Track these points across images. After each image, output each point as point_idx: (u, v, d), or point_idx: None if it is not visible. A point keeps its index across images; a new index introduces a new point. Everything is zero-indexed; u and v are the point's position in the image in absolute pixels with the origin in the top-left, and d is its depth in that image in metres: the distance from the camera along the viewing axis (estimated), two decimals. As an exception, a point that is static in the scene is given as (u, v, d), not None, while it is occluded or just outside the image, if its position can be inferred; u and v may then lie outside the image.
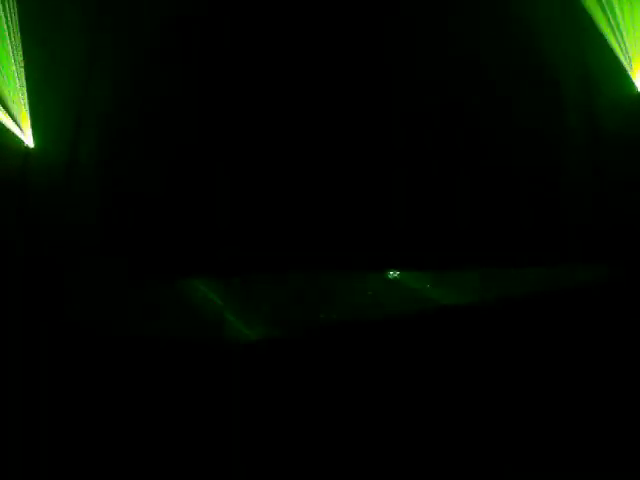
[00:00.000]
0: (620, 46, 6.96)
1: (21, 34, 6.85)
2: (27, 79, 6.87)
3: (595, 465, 5.63)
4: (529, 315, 6.55)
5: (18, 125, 6.92)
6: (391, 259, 6.96)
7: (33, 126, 6.91)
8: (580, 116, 7.07)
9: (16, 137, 6.93)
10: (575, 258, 6.87)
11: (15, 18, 6.81)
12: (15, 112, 6.91)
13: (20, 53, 6.83)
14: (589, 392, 6.05)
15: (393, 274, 6.99)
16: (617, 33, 6.97)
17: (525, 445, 5.82)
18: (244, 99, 7.10)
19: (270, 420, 5.97)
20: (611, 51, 6.96)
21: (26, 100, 6.88)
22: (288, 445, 5.83)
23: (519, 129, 7.06)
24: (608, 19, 7.00)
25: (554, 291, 6.75)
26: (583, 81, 7.08)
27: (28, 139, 6.93)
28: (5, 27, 6.81)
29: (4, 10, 6.79)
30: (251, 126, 7.08)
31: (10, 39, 6.83)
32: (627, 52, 6.96)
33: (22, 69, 6.83)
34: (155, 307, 6.76)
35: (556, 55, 7.14)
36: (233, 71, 7.16)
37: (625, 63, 6.96)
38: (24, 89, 6.87)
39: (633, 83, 6.95)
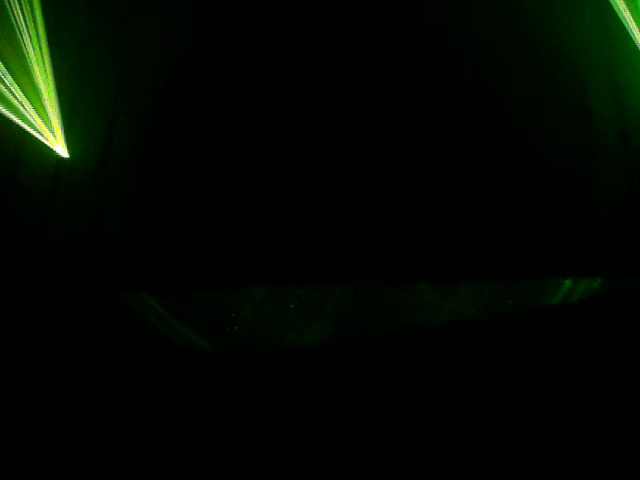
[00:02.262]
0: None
1: (53, 46, 7.07)
2: (59, 92, 7.09)
3: None
4: (551, 327, 6.47)
5: (50, 136, 7.15)
6: (400, 269, 6.96)
7: (66, 137, 7.13)
8: (609, 128, 6.93)
9: (48, 148, 7.14)
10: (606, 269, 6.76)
11: (44, 31, 7.04)
12: (48, 123, 7.14)
13: (51, 66, 7.06)
14: (609, 407, 5.94)
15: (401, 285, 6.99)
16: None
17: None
18: (262, 114, 7.20)
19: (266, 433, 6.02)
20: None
21: (58, 112, 7.09)
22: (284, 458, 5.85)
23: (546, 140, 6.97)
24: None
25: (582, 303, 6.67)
26: (611, 90, 6.95)
27: (60, 149, 7.15)
28: (37, 40, 7.04)
29: (35, 24, 7.03)
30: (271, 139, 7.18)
31: (41, 52, 7.06)
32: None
33: (53, 82, 7.06)
34: (176, 314, 6.93)
35: (584, 65, 7.02)
36: (250, 88, 7.28)
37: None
38: (55, 102, 7.09)
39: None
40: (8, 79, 7.03)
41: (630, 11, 6.82)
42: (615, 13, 6.88)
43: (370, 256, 6.92)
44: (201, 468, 5.78)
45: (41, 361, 6.48)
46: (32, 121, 7.10)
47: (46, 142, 7.11)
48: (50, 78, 7.09)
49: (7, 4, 6.98)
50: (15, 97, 7.05)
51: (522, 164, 6.98)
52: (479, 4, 7.15)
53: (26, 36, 7.06)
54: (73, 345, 6.63)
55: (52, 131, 7.11)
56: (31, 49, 7.07)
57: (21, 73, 7.08)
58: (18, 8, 7.03)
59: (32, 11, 7.06)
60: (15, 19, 7.05)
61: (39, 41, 7.08)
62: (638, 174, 6.86)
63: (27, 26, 7.06)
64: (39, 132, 7.11)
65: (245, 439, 5.90)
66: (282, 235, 7.02)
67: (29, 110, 7.09)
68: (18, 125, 7.07)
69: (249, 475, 5.72)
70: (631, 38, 6.88)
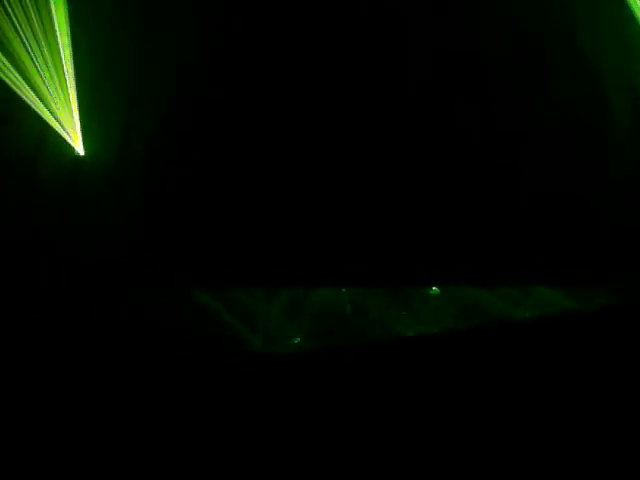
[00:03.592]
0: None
1: (73, 47, 7.20)
2: (78, 91, 7.23)
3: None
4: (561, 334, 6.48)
5: (69, 134, 7.29)
6: (405, 274, 7.00)
7: (83, 135, 7.27)
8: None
9: (67, 144, 7.29)
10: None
11: (66, 30, 7.16)
12: (66, 122, 7.28)
13: (71, 66, 7.20)
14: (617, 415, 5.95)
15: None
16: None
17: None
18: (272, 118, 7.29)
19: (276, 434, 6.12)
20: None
21: (77, 111, 7.23)
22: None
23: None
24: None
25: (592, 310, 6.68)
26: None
27: (79, 147, 7.29)
28: (59, 40, 7.18)
29: (58, 25, 7.16)
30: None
31: (63, 51, 7.19)
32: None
33: (74, 81, 7.20)
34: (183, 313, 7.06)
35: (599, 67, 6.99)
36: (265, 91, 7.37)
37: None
38: (75, 101, 7.23)
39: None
40: (30, 77, 7.16)
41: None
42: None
43: (374, 261, 6.98)
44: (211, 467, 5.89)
45: (51, 358, 6.60)
46: (52, 118, 7.24)
47: (66, 138, 7.24)
48: (70, 77, 7.20)
49: (32, 5, 7.10)
50: (37, 95, 7.18)
51: (530, 169, 6.98)
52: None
53: (50, 36, 7.19)
54: (89, 342, 6.76)
55: (71, 129, 7.25)
56: (54, 48, 7.20)
57: (42, 71, 7.21)
58: (43, 8, 7.15)
59: (56, 12, 7.19)
60: (40, 19, 7.18)
61: (61, 41, 7.22)
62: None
63: (52, 27, 7.20)
64: (59, 130, 7.24)
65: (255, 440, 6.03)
66: (288, 238, 7.12)
67: (50, 108, 7.22)
68: (38, 122, 7.20)
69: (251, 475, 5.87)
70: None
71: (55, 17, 7.21)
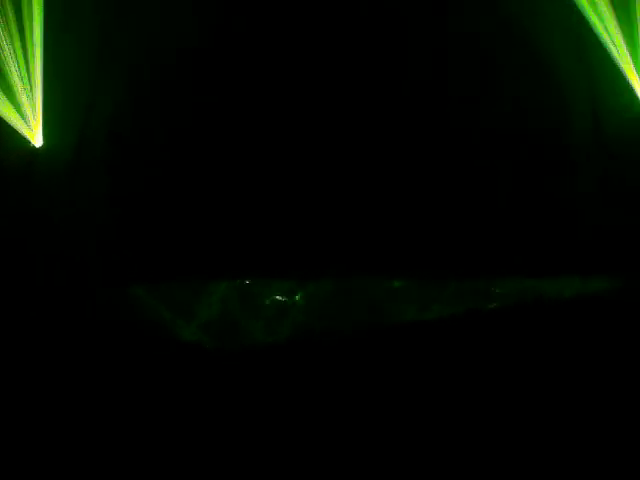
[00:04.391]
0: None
1: (30, 39, 7.01)
2: (39, 84, 7.04)
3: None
4: (542, 325, 6.55)
5: (27, 125, 7.07)
6: (397, 267, 7.03)
7: (43, 127, 7.06)
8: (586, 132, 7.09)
9: (24, 137, 7.07)
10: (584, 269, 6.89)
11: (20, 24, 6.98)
12: (25, 113, 7.06)
13: (34, 60, 7.00)
14: (601, 403, 6.01)
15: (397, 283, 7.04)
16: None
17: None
18: (247, 107, 7.22)
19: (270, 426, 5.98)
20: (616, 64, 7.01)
21: (38, 103, 7.02)
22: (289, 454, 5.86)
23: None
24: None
25: (566, 301, 6.78)
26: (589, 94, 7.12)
27: (37, 139, 7.07)
28: (13, 33, 6.98)
29: (9, 17, 6.96)
30: (250, 130, 7.18)
31: (20, 45, 7.00)
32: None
33: (36, 74, 7.00)
34: (156, 309, 6.89)
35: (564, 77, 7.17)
36: (241, 78, 7.28)
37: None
38: (36, 93, 7.02)
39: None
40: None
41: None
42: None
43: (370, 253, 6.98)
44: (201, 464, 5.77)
45: (33, 359, 6.41)
46: (9, 111, 7.02)
47: (22, 132, 7.02)
48: (31, 71, 7.01)
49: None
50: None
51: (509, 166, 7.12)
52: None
53: (3, 29, 6.97)
54: (56, 343, 6.55)
55: (29, 121, 7.05)
56: (8, 42, 6.99)
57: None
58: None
59: (4, 5, 6.97)
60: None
61: (16, 34, 7.02)
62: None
63: (3, 19, 6.98)
64: (16, 122, 7.03)
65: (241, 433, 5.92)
66: (261, 229, 7.00)
67: (6, 100, 7.01)
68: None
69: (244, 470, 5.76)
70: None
71: (7, 9, 7.01)
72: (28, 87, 7.02)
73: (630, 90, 7.02)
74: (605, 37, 7.03)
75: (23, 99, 7.03)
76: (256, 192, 7.08)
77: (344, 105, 7.22)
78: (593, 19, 7.09)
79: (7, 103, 7.03)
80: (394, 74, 7.22)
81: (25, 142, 7.09)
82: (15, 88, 7.03)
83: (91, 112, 7.18)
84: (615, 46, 7.02)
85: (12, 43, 7.00)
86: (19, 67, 7.01)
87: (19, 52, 7.01)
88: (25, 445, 5.75)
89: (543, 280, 6.88)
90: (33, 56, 7.02)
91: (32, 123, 7.05)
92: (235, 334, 6.86)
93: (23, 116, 7.06)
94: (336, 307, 6.93)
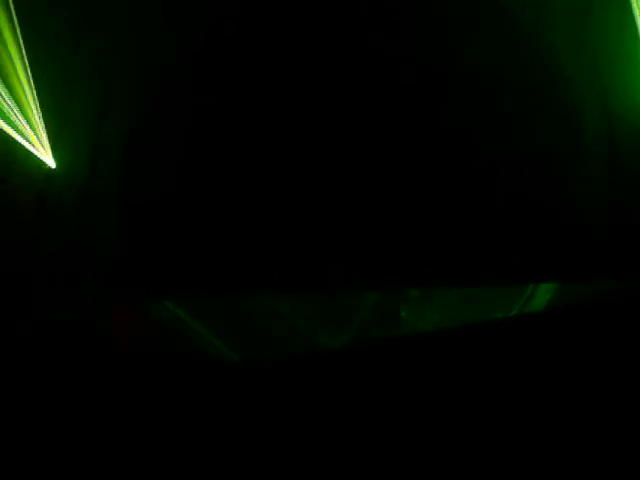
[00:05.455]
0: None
1: (37, 56, 7.08)
2: (45, 102, 7.09)
3: None
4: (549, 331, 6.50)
5: (40, 147, 7.12)
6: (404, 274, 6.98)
7: (53, 148, 7.10)
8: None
9: (38, 159, 7.12)
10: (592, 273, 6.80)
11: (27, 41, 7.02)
12: (36, 135, 7.11)
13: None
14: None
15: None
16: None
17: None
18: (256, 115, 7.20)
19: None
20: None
21: (44, 122, 7.08)
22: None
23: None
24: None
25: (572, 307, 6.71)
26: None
27: (49, 161, 7.12)
28: (20, 50, 7.01)
29: (17, 34, 6.99)
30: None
31: (25, 62, 7.04)
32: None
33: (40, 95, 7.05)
34: (170, 323, 6.95)
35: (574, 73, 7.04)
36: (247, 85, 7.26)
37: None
38: (41, 112, 7.08)
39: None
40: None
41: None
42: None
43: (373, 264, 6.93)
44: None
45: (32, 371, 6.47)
46: (18, 132, 7.07)
47: (35, 152, 7.07)
48: (34, 88, 7.04)
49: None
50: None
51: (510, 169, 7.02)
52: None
53: (10, 47, 7.01)
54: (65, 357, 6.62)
55: (39, 142, 7.09)
56: (15, 59, 7.02)
57: (5, 83, 7.03)
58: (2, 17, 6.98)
59: (12, 21, 7.00)
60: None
61: (22, 51, 7.03)
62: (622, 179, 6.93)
63: (11, 36, 7.01)
64: (26, 143, 7.08)
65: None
66: (278, 241, 7.01)
67: (16, 121, 7.05)
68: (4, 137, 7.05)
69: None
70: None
71: (15, 26, 7.04)
72: (35, 107, 7.06)
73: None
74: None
75: (33, 119, 7.08)
76: (272, 199, 7.07)
77: (354, 107, 7.18)
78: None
79: (17, 125, 7.08)
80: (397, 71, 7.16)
81: (40, 164, 7.14)
82: (24, 109, 7.08)
83: (103, 126, 7.22)
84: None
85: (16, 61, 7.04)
86: (25, 88, 7.06)
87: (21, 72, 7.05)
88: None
89: (563, 285, 6.83)
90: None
91: (44, 144, 7.10)
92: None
93: (37, 137, 7.11)
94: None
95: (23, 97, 7.09)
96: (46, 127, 7.13)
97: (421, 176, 7.02)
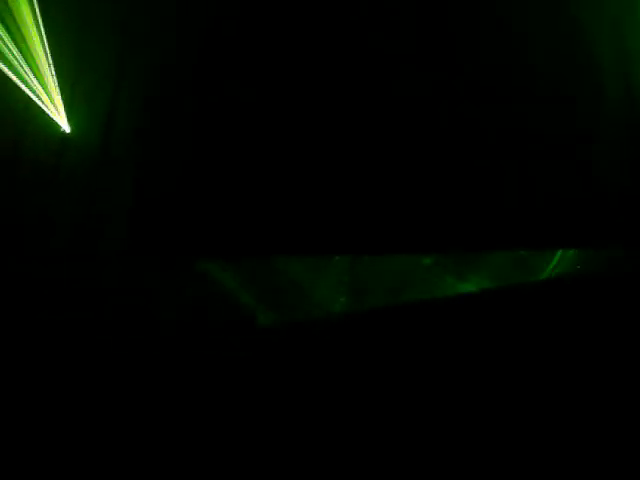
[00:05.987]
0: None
1: (53, 24, 7.07)
2: (60, 68, 7.10)
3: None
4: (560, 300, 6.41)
5: (56, 111, 7.12)
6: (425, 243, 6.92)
7: (68, 113, 7.10)
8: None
9: (54, 122, 7.12)
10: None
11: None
12: (52, 100, 7.12)
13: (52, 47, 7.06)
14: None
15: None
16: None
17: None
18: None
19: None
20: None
21: (59, 88, 7.09)
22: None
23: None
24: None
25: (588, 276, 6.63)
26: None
27: (64, 124, 7.12)
28: (37, 18, 7.01)
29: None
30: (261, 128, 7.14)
31: (41, 29, 7.04)
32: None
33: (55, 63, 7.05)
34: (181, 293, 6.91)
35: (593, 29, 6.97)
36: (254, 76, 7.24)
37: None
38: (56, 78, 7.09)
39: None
40: (10, 56, 6.99)
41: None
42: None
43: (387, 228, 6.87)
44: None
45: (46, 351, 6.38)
46: (35, 96, 7.09)
47: (50, 115, 7.07)
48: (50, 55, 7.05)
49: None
50: (17, 74, 7.02)
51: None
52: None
53: (27, 15, 7.03)
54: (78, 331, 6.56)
55: (55, 107, 7.09)
56: (32, 27, 7.05)
57: (23, 49, 7.04)
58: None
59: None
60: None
61: (39, 20, 7.07)
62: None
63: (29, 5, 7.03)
64: (42, 107, 7.09)
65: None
66: (286, 209, 6.97)
67: (32, 86, 7.06)
68: (21, 100, 7.06)
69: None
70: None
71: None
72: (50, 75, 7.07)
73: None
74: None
75: (48, 85, 7.09)
76: (276, 180, 7.04)
77: (363, 97, 7.16)
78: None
79: (34, 89, 7.09)
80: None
81: (55, 127, 7.13)
82: (40, 76, 7.09)
83: (117, 96, 7.21)
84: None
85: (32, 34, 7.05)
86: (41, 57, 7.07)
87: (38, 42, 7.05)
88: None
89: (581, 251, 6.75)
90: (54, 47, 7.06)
91: (59, 109, 7.10)
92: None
93: (51, 101, 7.11)
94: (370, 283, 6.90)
95: (39, 63, 7.10)
96: (61, 93, 7.12)
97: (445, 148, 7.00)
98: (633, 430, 5.46)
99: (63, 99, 7.13)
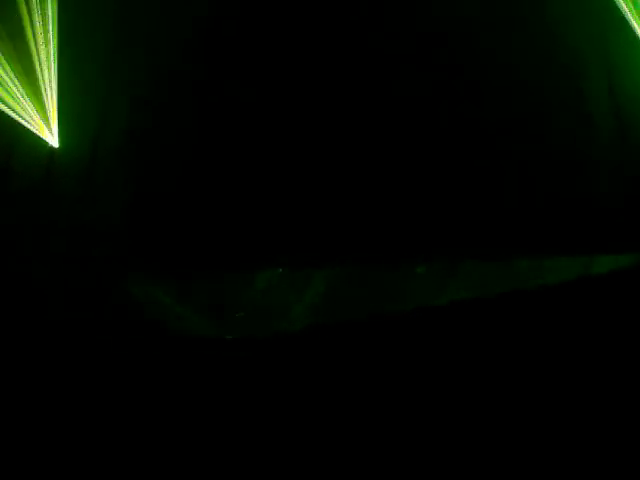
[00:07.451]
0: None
1: (47, 39, 7.12)
2: (52, 83, 7.11)
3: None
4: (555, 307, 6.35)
5: (45, 126, 7.13)
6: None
7: (59, 127, 7.11)
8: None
9: (41, 139, 7.12)
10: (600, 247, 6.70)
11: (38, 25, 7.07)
12: (42, 114, 7.13)
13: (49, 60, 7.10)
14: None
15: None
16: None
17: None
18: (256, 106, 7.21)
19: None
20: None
21: (54, 104, 7.09)
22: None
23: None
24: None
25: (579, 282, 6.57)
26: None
27: (53, 140, 7.12)
28: (31, 33, 7.08)
29: (26, 18, 7.06)
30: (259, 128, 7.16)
31: (36, 44, 7.11)
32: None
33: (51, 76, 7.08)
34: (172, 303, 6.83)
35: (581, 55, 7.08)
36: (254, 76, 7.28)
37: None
38: (53, 94, 7.10)
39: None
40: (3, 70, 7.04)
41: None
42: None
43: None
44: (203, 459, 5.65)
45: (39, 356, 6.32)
46: (25, 112, 7.12)
47: (38, 132, 7.08)
48: (45, 69, 7.09)
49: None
50: (8, 89, 7.04)
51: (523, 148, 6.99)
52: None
53: (22, 29, 7.11)
54: (70, 338, 6.48)
55: (45, 122, 7.10)
56: (27, 41, 7.13)
57: (15, 65, 7.09)
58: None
59: (27, 4, 7.10)
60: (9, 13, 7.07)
61: (33, 34, 7.14)
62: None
63: (22, 20, 7.10)
64: (32, 123, 7.11)
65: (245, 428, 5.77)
66: (277, 220, 6.94)
67: (23, 101, 7.08)
68: (11, 116, 7.11)
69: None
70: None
71: (29, 9, 7.14)
72: (44, 87, 7.10)
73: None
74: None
75: (42, 99, 7.10)
76: (272, 180, 7.01)
77: (362, 96, 7.20)
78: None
79: (23, 104, 7.10)
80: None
81: (43, 143, 7.13)
82: (31, 89, 7.11)
83: (107, 108, 7.22)
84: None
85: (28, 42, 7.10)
86: (34, 67, 7.10)
87: (33, 52, 7.10)
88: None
89: (568, 259, 6.71)
90: (48, 55, 7.09)
91: (49, 124, 7.10)
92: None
93: (42, 117, 7.12)
94: (353, 294, 6.81)
95: (33, 78, 7.13)
96: (52, 108, 7.14)
97: (437, 153, 6.99)
98: (633, 430, 5.36)
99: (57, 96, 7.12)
